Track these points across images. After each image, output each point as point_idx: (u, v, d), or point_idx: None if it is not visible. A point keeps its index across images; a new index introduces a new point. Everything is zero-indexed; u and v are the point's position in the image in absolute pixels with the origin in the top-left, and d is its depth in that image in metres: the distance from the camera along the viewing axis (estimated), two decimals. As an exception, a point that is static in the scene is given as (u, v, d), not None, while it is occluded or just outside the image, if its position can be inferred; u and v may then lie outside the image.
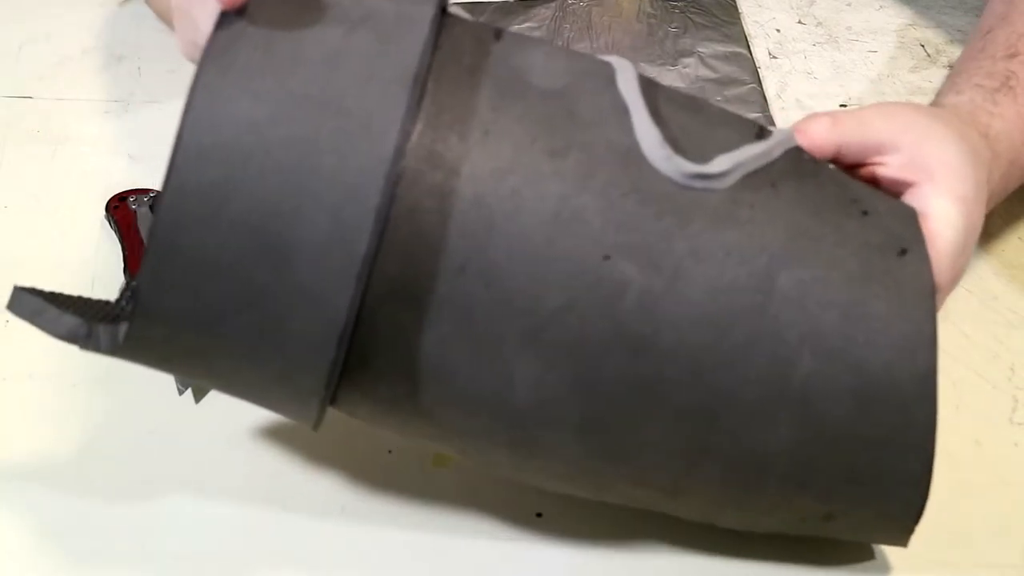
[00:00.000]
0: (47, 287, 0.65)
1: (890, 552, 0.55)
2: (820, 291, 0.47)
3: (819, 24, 0.85)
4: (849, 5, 0.86)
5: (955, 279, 0.52)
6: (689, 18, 0.84)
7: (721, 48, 0.82)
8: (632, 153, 0.47)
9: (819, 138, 0.52)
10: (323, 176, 0.43)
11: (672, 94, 0.51)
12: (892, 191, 0.52)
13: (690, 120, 0.49)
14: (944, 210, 0.51)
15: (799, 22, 0.85)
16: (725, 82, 0.79)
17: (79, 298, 0.50)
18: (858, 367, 0.47)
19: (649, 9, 0.85)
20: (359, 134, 0.44)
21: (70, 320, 0.47)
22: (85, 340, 0.47)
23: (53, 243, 0.68)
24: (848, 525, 0.51)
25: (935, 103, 0.62)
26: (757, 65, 0.80)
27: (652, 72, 0.79)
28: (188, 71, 0.81)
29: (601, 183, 0.46)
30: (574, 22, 0.83)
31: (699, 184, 0.47)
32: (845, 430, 0.47)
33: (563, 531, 0.55)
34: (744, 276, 0.46)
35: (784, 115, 0.77)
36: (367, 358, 0.46)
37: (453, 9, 0.49)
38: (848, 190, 0.50)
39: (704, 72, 0.80)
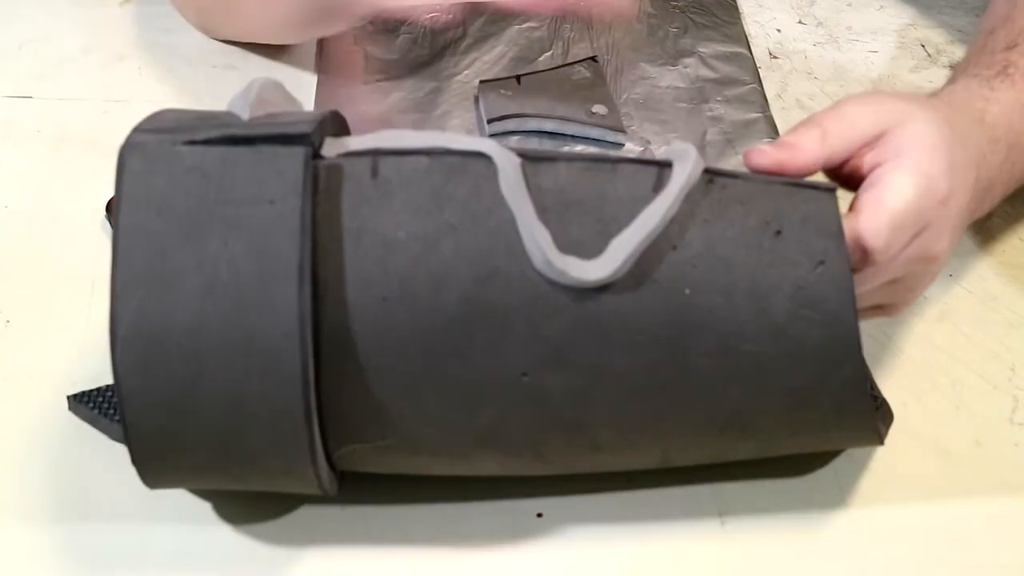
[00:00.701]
0: (47, 287, 0.65)
1: (890, 552, 0.55)
2: (743, 327, 0.49)
3: (819, 24, 0.85)
4: (849, 5, 0.86)
5: (894, 245, 0.51)
6: (689, 18, 0.84)
7: (721, 48, 0.82)
8: (526, 270, 0.48)
9: (810, 157, 0.53)
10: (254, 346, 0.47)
11: (561, 169, 0.50)
12: (868, 172, 0.53)
13: (583, 196, 0.49)
14: (895, 181, 0.51)
15: (799, 22, 0.85)
16: (725, 82, 0.79)
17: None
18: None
19: (649, 9, 0.85)
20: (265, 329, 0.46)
21: (118, 428, 0.52)
22: None
23: (53, 243, 0.68)
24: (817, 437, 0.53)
25: (934, 95, 0.62)
26: (757, 65, 0.80)
27: (652, 72, 0.79)
28: (188, 71, 0.81)
29: (501, 308, 0.48)
30: (574, 22, 0.83)
31: (596, 288, 0.48)
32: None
33: (563, 531, 0.55)
34: (658, 353, 0.49)
35: (784, 115, 0.77)
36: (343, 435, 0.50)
37: (327, 148, 0.50)
38: (759, 207, 0.50)
39: (704, 72, 0.80)
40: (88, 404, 0.57)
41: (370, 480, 0.55)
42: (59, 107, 0.77)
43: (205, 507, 0.55)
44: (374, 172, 0.49)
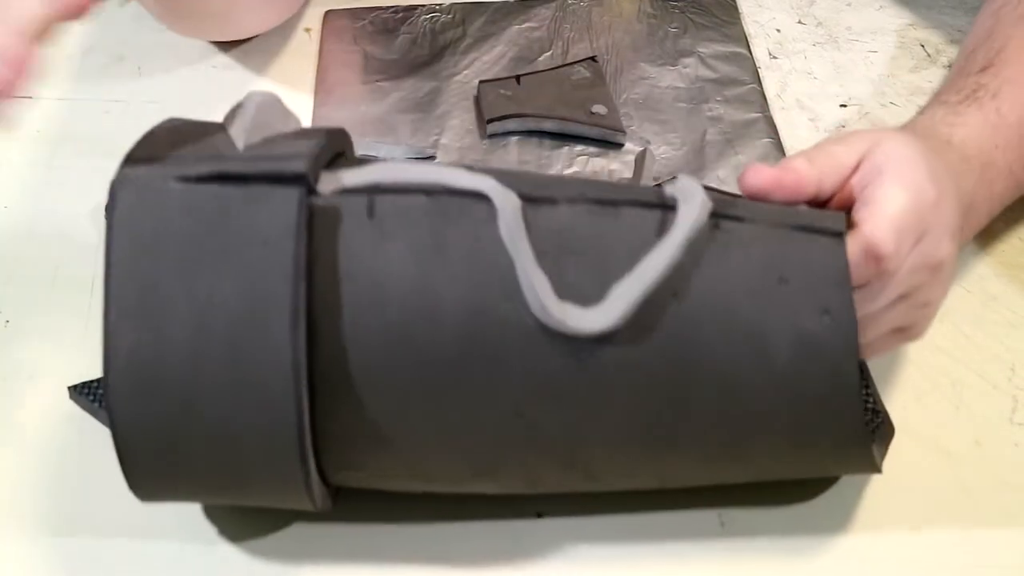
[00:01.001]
0: (47, 287, 0.65)
1: (890, 553, 0.55)
2: (744, 374, 0.48)
3: (819, 24, 0.85)
4: (849, 5, 0.86)
5: (901, 249, 0.51)
6: (689, 18, 0.84)
7: (721, 48, 0.82)
8: (523, 315, 0.47)
9: (803, 175, 0.53)
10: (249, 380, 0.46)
11: (563, 211, 0.49)
12: (857, 196, 0.53)
13: (584, 241, 0.48)
14: (886, 193, 0.52)
15: (799, 22, 0.85)
16: (725, 82, 0.79)
17: None
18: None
19: (649, 9, 0.85)
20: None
21: None
22: None
23: (53, 243, 0.68)
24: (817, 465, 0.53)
25: (902, 127, 0.63)
26: (757, 65, 0.80)
27: (652, 72, 0.79)
28: (188, 71, 0.81)
29: (497, 351, 0.47)
30: (574, 22, 0.83)
31: (595, 336, 0.47)
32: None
33: (563, 531, 0.55)
34: (655, 396, 0.48)
35: (784, 115, 0.77)
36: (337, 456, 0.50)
37: (323, 183, 0.48)
38: (764, 252, 0.49)
39: (704, 72, 0.80)
40: (88, 395, 0.57)
41: (366, 492, 0.55)
42: (59, 107, 0.77)
43: (201, 522, 0.55)
44: (370, 211, 0.48)
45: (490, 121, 0.74)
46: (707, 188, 0.51)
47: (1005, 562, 0.55)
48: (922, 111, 0.65)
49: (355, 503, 0.55)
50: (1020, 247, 0.68)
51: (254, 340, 0.45)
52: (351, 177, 0.49)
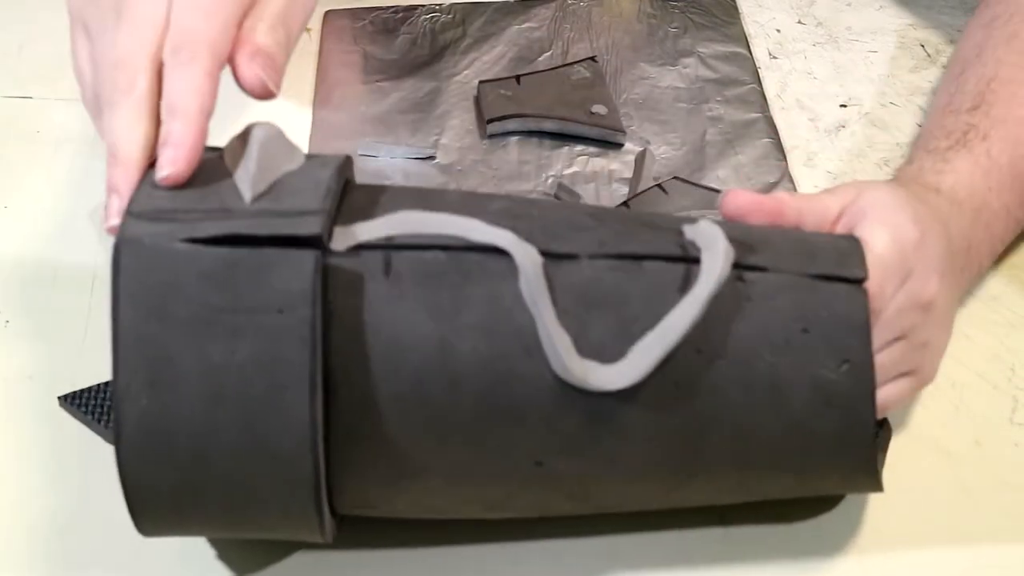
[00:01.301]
0: (47, 287, 0.65)
1: (890, 553, 0.55)
2: (761, 423, 0.49)
3: (819, 24, 0.85)
4: (849, 5, 0.86)
5: (886, 288, 0.51)
6: (689, 18, 0.84)
7: (721, 48, 0.81)
8: (544, 373, 0.47)
9: (784, 201, 0.54)
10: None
11: (585, 268, 0.48)
12: None
13: (606, 298, 0.48)
14: (868, 234, 0.52)
15: (799, 22, 0.85)
16: (725, 82, 0.79)
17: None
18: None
19: (649, 9, 0.85)
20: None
21: (109, 432, 0.54)
22: None
23: (53, 243, 0.68)
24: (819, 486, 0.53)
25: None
26: (757, 65, 0.80)
27: (652, 72, 0.79)
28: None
29: (517, 408, 0.47)
30: (574, 22, 0.83)
31: (615, 394, 0.47)
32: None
33: (563, 531, 0.55)
34: (672, 444, 0.49)
35: (784, 115, 0.77)
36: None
37: (337, 239, 0.47)
38: (785, 307, 0.49)
39: (704, 72, 0.80)
40: (78, 406, 0.57)
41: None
42: (59, 107, 0.77)
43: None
44: (387, 269, 0.47)
45: (490, 121, 0.74)
46: (723, 228, 0.50)
47: (1005, 562, 0.55)
48: (910, 160, 0.65)
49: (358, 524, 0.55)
50: (1020, 247, 0.68)
51: (269, 408, 0.45)
52: (365, 231, 0.48)
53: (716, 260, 0.48)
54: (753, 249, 0.50)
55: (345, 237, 0.47)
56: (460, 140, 0.75)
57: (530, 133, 0.75)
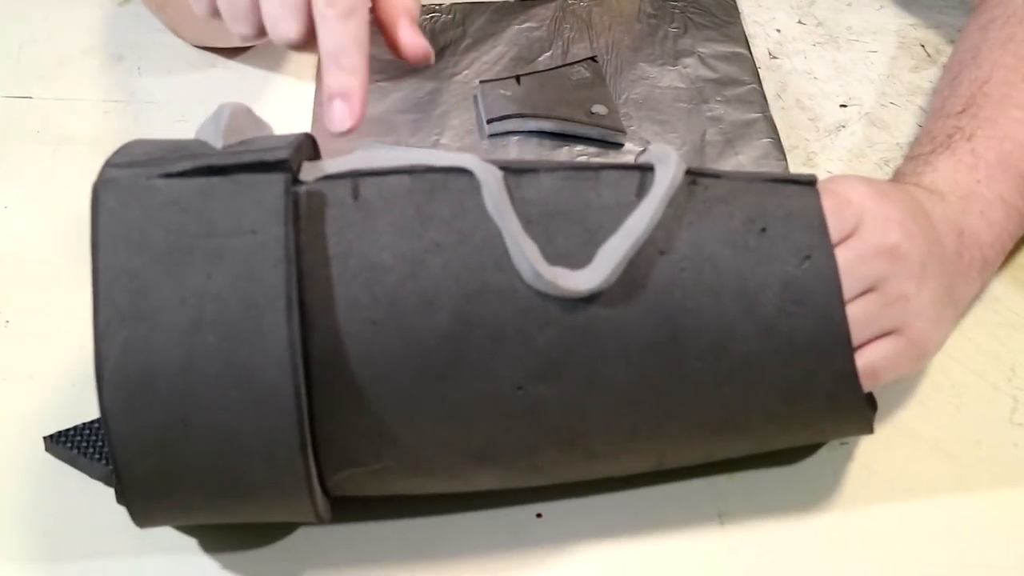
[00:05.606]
0: (47, 287, 0.65)
1: (891, 552, 0.55)
2: (733, 326, 0.49)
3: (819, 24, 0.85)
4: (849, 5, 0.86)
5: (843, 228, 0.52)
6: (689, 18, 0.84)
7: (721, 48, 0.81)
8: (516, 284, 0.47)
9: None
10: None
11: (544, 180, 0.50)
12: None
13: (568, 206, 0.49)
14: (821, 192, 0.53)
15: (799, 22, 0.85)
16: (725, 82, 0.79)
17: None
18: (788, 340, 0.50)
19: (649, 9, 0.85)
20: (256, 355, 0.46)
21: (99, 467, 0.55)
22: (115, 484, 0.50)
23: (53, 243, 0.68)
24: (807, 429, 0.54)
25: None
26: (757, 65, 0.80)
27: (652, 72, 0.79)
28: (188, 71, 0.81)
29: (492, 323, 0.47)
30: (574, 22, 0.83)
31: (587, 297, 0.48)
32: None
33: (563, 531, 0.55)
34: (651, 359, 0.49)
35: (784, 115, 0.77)
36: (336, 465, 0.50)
37: (305, 172, 0.49)
38: (743, 206, 0.50)
39: (704, 72, 0.80)
40: (66, 444, 0.56)
41: (366, 500, 0.55)
42: (59, 107, 0.77)
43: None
44: (355, 194, 0.48)
45: (490, 121, 0.74)
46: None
47: (1005, 562, 0.55)
48: (897, 168, 0.65)
49: (359, 502, 0.55)
50: (1021, 248, 0.68)
51: (248, 328, 0.45)
52: (332, 166, 0.50)
53: (670, 167, 0.50)
54: (706, 167, 0.52)
55: (313, 171, 0.49)
56: (460, 140, 0.75)
57: (530, 133, 0.75)
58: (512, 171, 0.50)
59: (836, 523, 0.56)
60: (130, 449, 0.47)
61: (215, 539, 0.55)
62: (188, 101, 0.77)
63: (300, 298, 0.46)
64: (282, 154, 0.47)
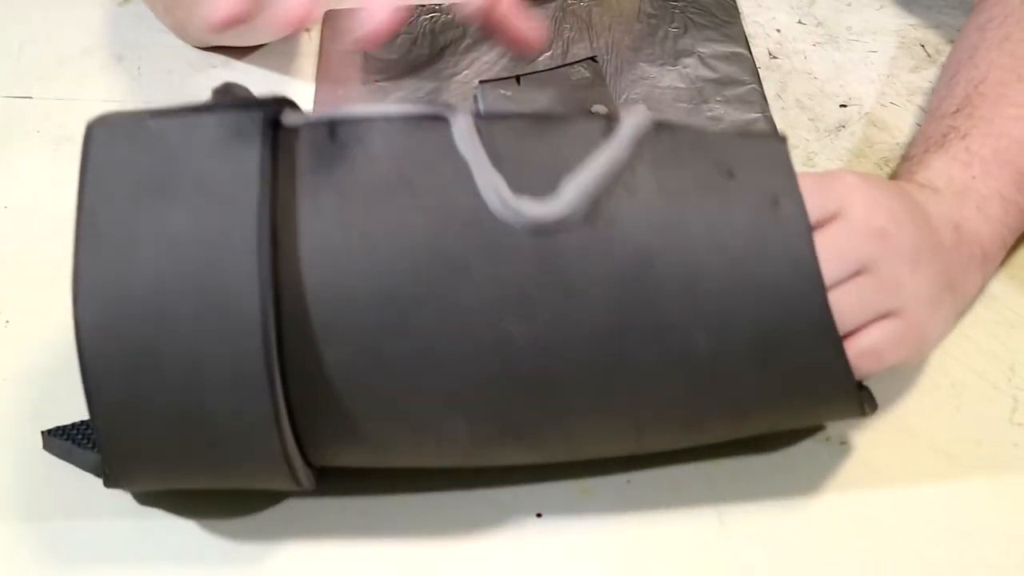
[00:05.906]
0: (47, 287, 0.65)
1: (891, 553, 0.55)
2: (702, 264, 0.49)
3: (819, 24, 0.85)
4: (849, 5, 0.86)
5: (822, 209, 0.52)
6: (689, 18, 0.84)
7: (721, 48, 0.81)
8: (483, 215, 0.49)
9: None
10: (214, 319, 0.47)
11: (513, 123, 0.52)
12: None
13: (535, 144, 0.51)
14: (830, 171, 0.54)
15: (799, 22, 0.85)
16: (725, 82, 0.79)
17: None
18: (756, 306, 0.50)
19: (649, 9, 0.85)
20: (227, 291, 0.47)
21: (92, 458, 0.55)
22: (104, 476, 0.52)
23: (53, 243, 0.68)
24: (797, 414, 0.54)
25: None
26: (757, 65, 0.80)
27: (652, 72, 0.79)
28: (188, 71, 0.81)
29: (460, 255, 0.48)
30: (574, 22, 0.83)
31: (553, 225, 0.48)
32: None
33: (563, 531, 0.55)
34: (619, 295, 0.49)
35: (784, 115, 0.77)
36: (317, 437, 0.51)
37: (287, 118, 0.51)
38: (710, 152, 0.51)
39: (704, 72, 0.80)
40: (63, 437, 0.56)
41: (355, 477, 0.55)
42: (59, 107, 0.77)
43: (204, 504, 0.55)
44: (332, 135, 0.50)
45: (490, 121, 0.74)
46: None
47: (1005, 562, 0.55)
48: (891, 171, 0.65)
49: (356, 502, 0.55)
50: (1020, 247, 0.68)
51: (221, 254, 0.47)
52: (312, 117, 0.52)
53: (637, 115, 0.51)
54: (673, 120, 0.53)
55: (293, 117, 0.51)
56: (460, 140, 0.75)
57: (530, 133, 0.75)
58: (483, 117, 0.51)
59: (836, 523, 0.56)
60: (101, 368, 0.48)
61: (213, 539, 0.55)
62: (188, 101, 0.77)
63: (272, 224, 0.48)
64: (265, 99, 0.51)
